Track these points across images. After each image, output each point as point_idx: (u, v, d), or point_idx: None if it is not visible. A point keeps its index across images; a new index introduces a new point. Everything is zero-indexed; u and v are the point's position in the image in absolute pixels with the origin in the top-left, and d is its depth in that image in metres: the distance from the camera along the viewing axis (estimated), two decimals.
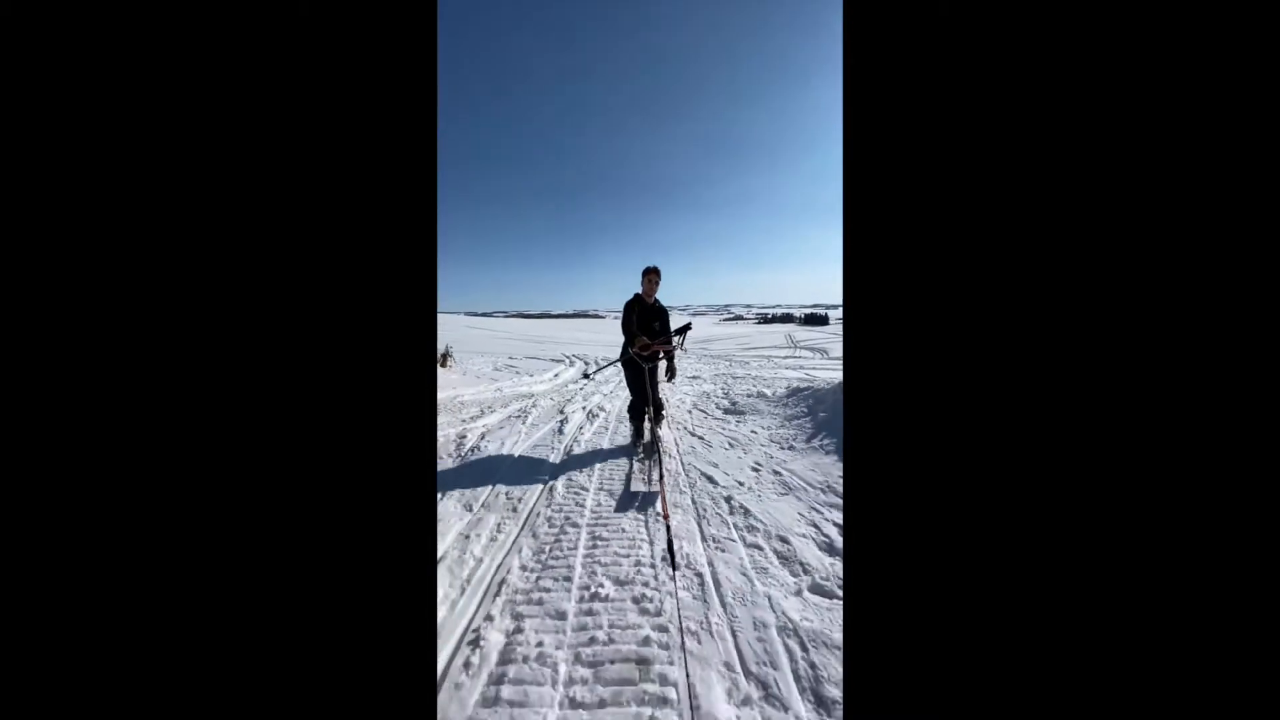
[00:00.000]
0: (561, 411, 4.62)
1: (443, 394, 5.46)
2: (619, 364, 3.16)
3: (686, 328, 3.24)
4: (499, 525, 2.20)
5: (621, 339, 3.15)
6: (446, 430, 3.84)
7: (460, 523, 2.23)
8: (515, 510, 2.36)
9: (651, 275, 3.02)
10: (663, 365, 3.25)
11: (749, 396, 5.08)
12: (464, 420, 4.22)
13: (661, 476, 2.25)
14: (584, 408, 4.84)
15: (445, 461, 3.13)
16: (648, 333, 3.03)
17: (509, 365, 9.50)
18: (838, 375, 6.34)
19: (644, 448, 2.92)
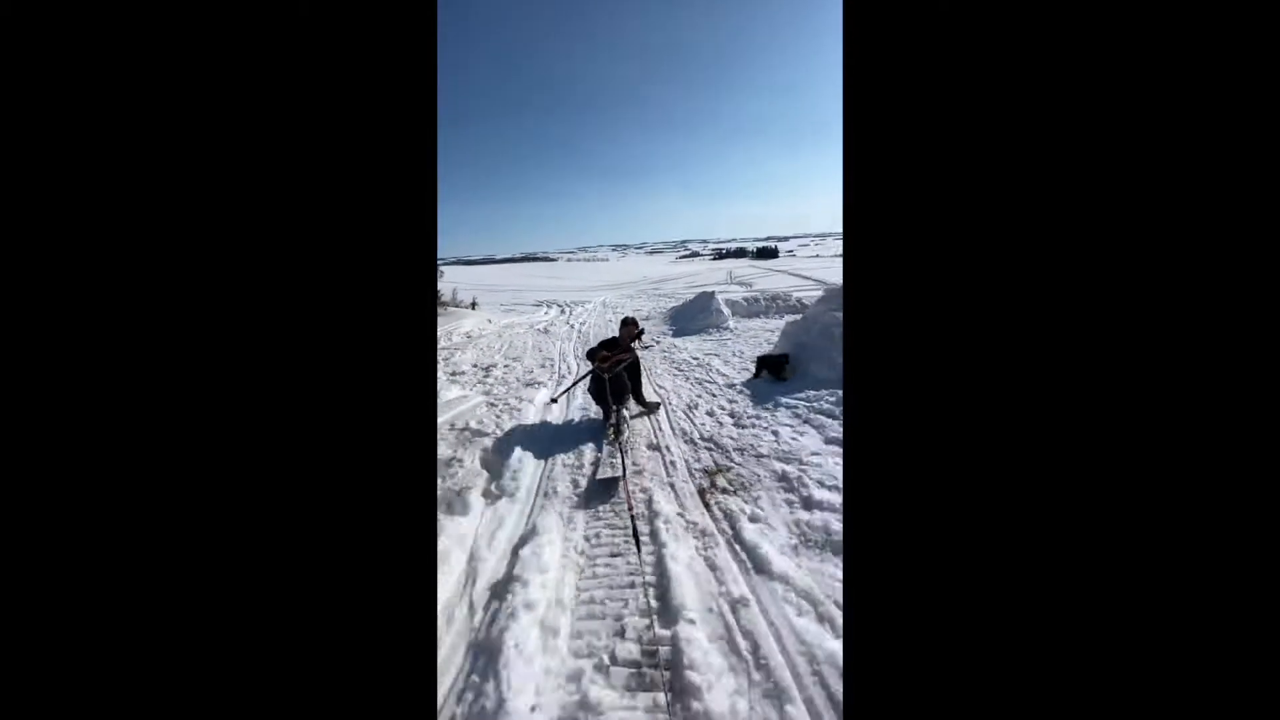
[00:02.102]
0: (569, 323, 8.71)
1: (507, 319, 9.64)
2: (583, 380, 3.45)
3: (640, 332, 3.76)
4: (563, 340, 6.03)
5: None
6: (529, 320, 7.96)
7: (543, 331, 6.26)
8: (563, 330, 6.15)
9: (629, 328, 3.57)
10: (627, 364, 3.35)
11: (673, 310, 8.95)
12: (531, 323, 8.53)
13: (624, 467, 2.28)
14: (573, 323, 9.10)
15: (533, 333, 7.19)
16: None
17: (508, 309, 13.48)
18: (736, 293, 10.35)
19: (611, 433, 2.88)
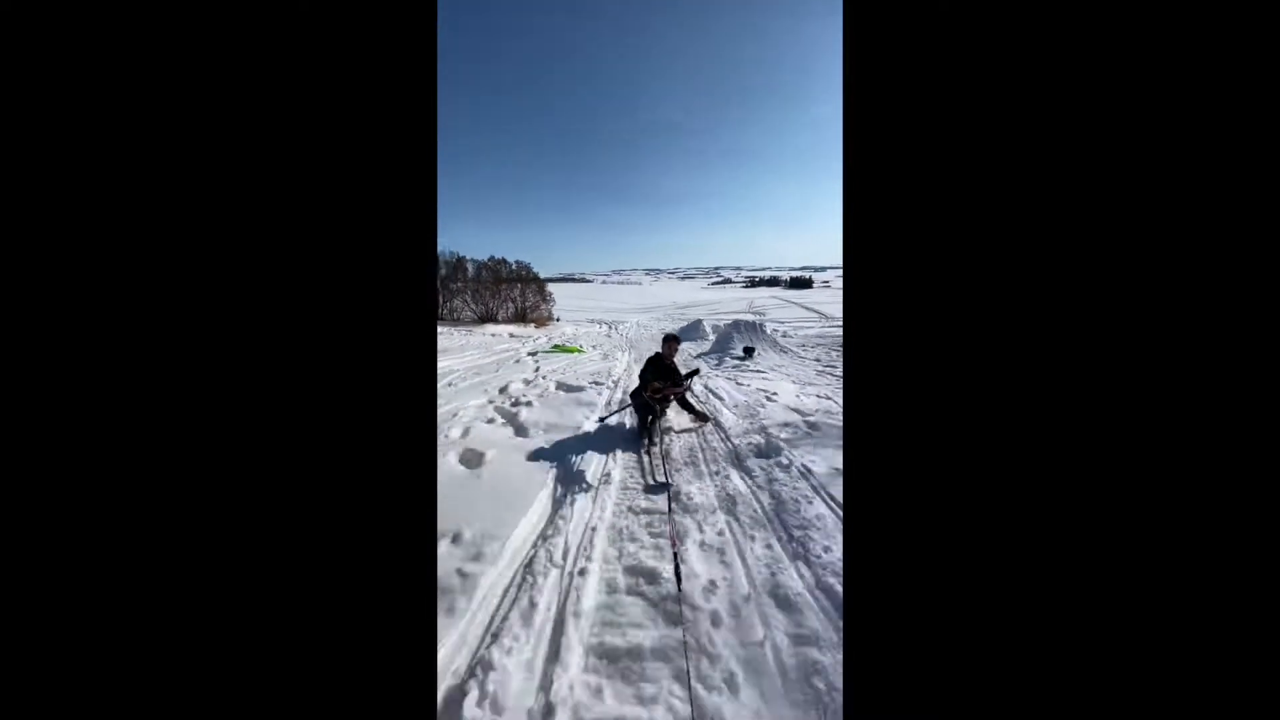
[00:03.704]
0: (619, 333, 13.16)
1: (586, 328, 14.16)
2: (631, 406, 3.41)
3: (695, 372, 3.72)
4: (613, 336, 10.13)
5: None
6: (593, 330, 12.25)
7: (606, 334, 10.51)
8: (618, 338, 10.29)
9: (671, 343, 3.54)
10: (674, 406, 3.47)
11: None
12: (596, 331, 12.83)
13: (671, 503, 2.07)
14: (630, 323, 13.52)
15: (601, 336, 11.55)
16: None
17: (580, 323, 18.11)
18: (723, 320, 14.51)
19: (650, 451, 2.78)
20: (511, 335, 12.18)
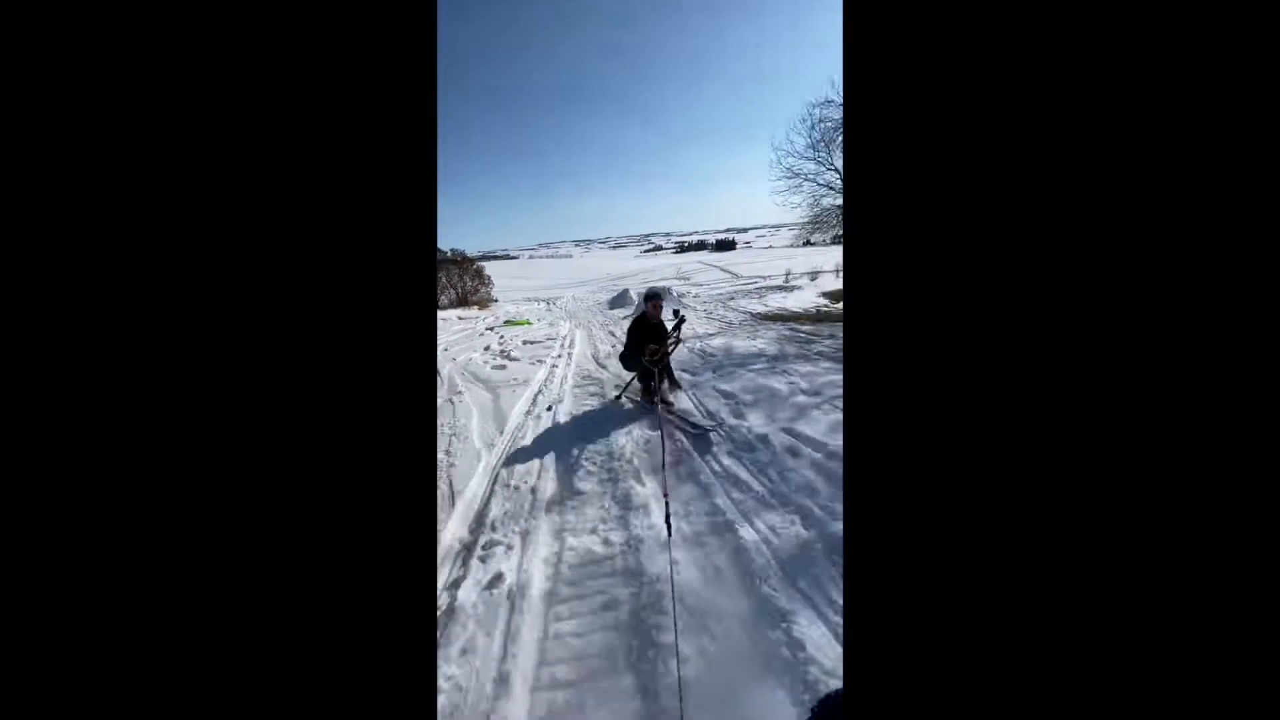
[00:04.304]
0: (559, 306, 15.38)
1: (525, 306, 15.77)
2: (635, 374, 3.54)
3: (681, 320, 3.86)
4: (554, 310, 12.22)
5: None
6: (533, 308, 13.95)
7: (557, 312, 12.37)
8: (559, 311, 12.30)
9: (655, 301, 3.67)
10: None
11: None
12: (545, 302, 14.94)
13: (665, 457, 2.28)
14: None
15: (545, 307, 13.55)
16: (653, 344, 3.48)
17: (518, 301, 19.39)
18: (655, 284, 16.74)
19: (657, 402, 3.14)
20: (460, 319, 13.54)
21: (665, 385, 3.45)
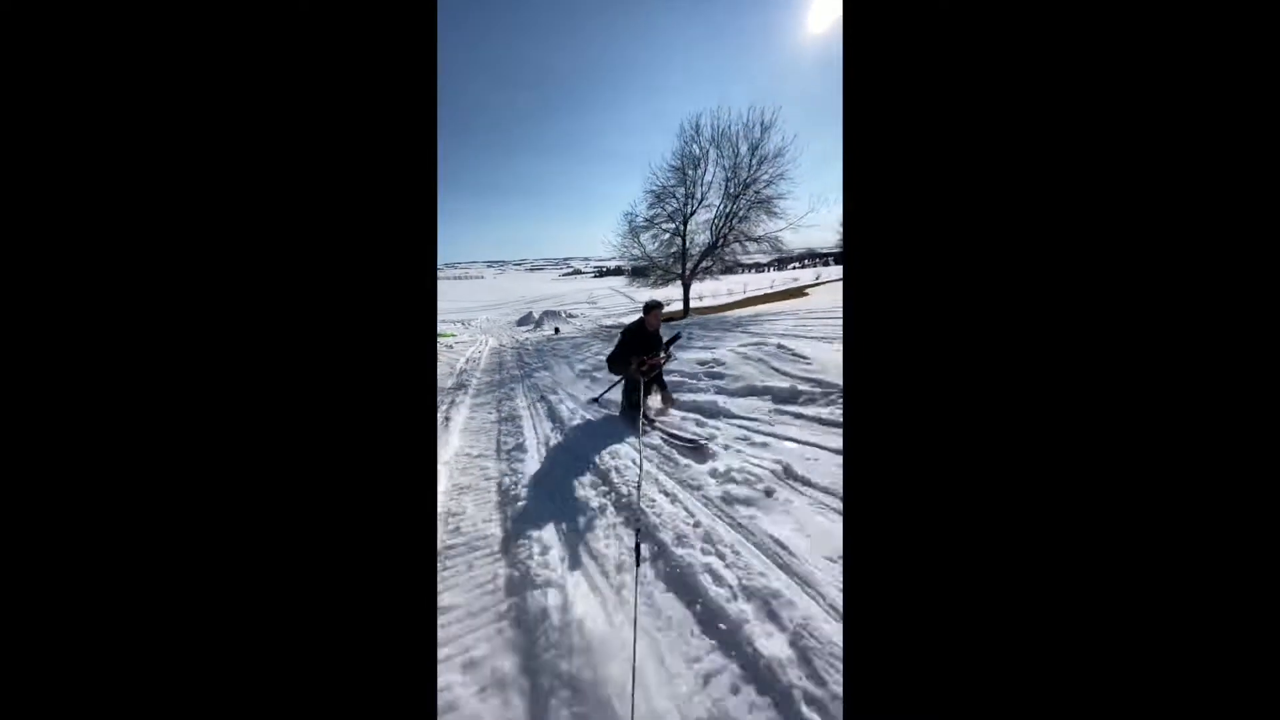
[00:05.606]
0: (479, 329, 18.23)
1: (442, 325, 18.21)
2: (621, 381, 3.37)
3: (676, 337, 3.67)
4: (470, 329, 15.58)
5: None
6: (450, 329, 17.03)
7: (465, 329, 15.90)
8: (478, 334, 15.38)
9: (655, 310, 3.40)
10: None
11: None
12: (461, 323, 18.08)
13: (641, 478, 2.06)
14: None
15: (462, 327, 16.66)
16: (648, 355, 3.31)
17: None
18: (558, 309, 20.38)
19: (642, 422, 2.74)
20: None
21: (658, 399, 3.29)
